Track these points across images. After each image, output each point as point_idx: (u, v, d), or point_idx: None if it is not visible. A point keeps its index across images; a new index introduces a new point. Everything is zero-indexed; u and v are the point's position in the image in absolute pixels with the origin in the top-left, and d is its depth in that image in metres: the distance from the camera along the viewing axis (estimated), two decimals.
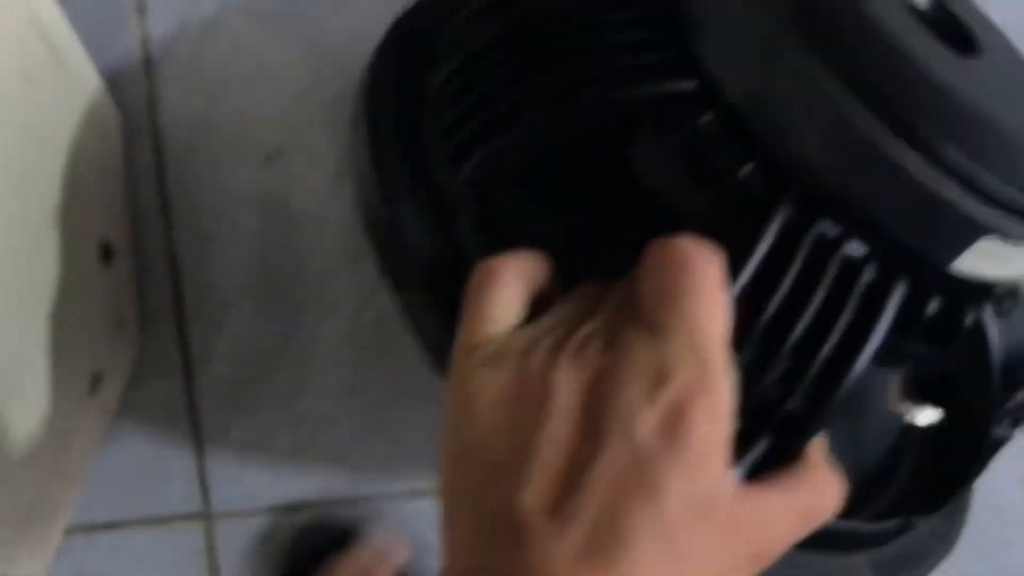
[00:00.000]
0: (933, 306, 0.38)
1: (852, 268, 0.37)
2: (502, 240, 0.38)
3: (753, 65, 0.36)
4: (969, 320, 0.39)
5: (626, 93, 0.38)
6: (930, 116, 0.35)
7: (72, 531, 0.64)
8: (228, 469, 0.65)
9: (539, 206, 0.42)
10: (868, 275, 0.37)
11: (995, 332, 0.42)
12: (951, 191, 0.35)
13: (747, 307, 0.35)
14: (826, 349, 0.36)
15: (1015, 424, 0.43)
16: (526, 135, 0.40)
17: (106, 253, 0.61)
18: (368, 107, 0.47)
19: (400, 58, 0.49)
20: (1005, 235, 0.36)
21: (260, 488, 0.66)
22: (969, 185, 0.35)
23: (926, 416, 0.43)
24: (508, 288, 0.34)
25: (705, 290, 0.31)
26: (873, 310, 0.37)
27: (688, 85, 0.37)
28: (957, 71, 0.37)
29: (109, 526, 0.66)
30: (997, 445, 0.44)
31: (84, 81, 0.60)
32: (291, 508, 0.66)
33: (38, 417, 0.53)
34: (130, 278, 0.64)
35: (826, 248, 0.36)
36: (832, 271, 0.36)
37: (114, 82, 0.62)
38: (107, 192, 0.62)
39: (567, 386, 0.30)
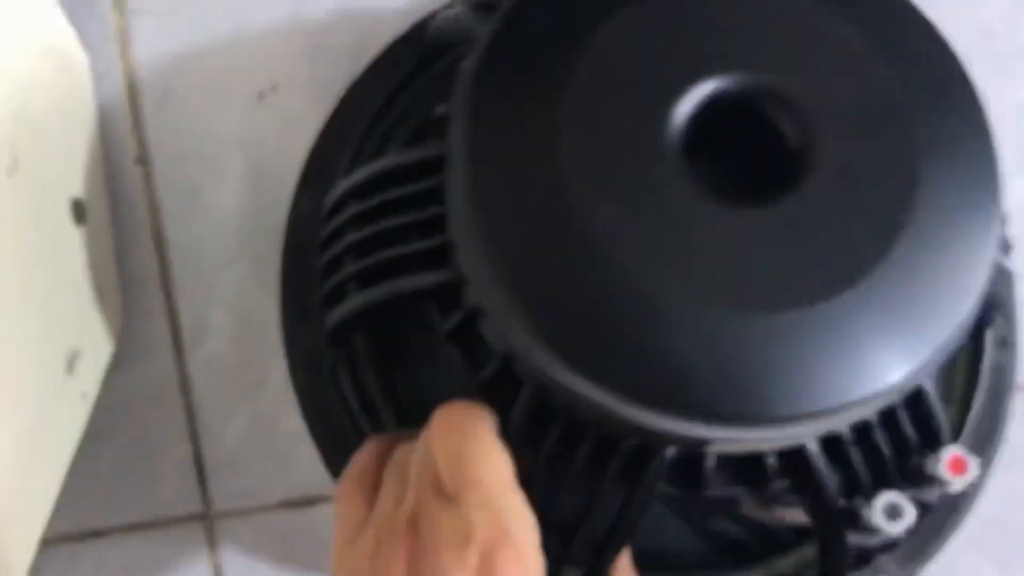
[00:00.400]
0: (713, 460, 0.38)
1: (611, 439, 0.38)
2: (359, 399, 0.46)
3: (474, 280, 0.37)
4: (772, 462, 0.39)
5: (409, 281, 0.40)
6: (602, 349, 0.34)
7: (51, 542, 0.55)
8: (230, 460, 0.56)
9: (387, 367, 0.46)
10: (632, 442, 0.38)
11: (820, 462, 0.39)
12: (651, 419, 0.35)
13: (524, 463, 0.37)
14: (603, 521, 0.38)
15: (884, 550, 0.41)
16: (352, 308, 0.42)
17: (78, 212, 0.53)
18: (287, 239, 0.51)
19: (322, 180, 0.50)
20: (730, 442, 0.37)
21: (269, 481, 0.57)
22: (669, 409, 0.35)
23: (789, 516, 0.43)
24: (356, 495, 0.39)
25: (481, 449, 0.35)
26: (636, 473, 0.37)
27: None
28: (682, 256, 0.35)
29: (94, 534, 0.57)
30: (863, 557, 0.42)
31: (43, 14, 0.51)
32: (306, 502, 0.57)
33: (5, 406, 0.45)
34: (107, 240, 0.55)
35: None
36: (587, 447, 0.37)
37: (78, 16, 0.53)
38: (76, 141, 0.53)
39: (390, 572, 0.35)
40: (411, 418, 0.45)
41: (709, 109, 0.36)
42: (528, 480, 0.36)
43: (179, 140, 0.55)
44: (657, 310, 0.34)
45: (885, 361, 0.35)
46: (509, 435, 0.37)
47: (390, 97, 0.50)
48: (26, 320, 0.47)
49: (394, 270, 0.40)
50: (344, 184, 0.44)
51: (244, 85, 0.55)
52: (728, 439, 0.37)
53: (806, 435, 0.37)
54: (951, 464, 0.38)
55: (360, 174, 0.43)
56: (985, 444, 0.47)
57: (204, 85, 0.55)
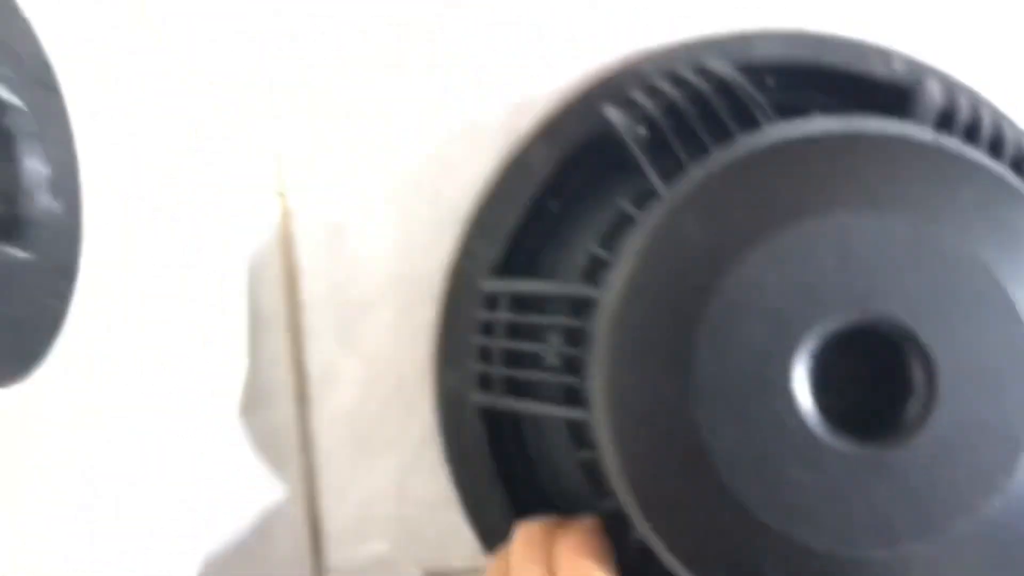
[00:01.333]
0: None
1: None
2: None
3: (602, 453, 0.41)
4: None
5: (549, 408, 0.45)
6: (703, 555, 0.39)
7: None
8: (351, 526, 0.51)
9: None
10: None
11: None
12: None
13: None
14: None
15: None
16: (494, 406, 0.47)
17: None
18: (449, 284, 0.50)
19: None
20: None
21: (394, 552, 0.51)
22: None
23: None
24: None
25: (603, 573, 0.41)
26: None
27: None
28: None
29: None
30: None
31: None
32: None
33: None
34: (239, 272, 0.49)
35: None
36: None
37: None
38: None
39: None
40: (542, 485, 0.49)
41: (842, 346, 0.39)
42: None
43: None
44: (756, 534, 0.38)
45: None
46: (622, 560, 0.42)
47: (562, 163, 0.49)
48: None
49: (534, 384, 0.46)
50: (501, 286, 0.47)
51: None
52: None
53: None
54: None
55: (517, 286, 0.47)
56: None
57: None
